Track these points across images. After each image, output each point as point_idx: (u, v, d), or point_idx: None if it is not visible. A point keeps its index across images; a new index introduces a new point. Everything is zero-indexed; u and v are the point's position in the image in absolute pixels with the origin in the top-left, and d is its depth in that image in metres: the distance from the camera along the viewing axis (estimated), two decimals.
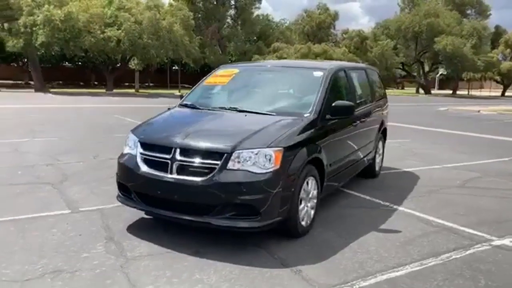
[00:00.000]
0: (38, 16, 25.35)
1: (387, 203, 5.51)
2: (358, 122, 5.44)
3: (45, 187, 5.74)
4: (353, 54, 39.26)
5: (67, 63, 44.82)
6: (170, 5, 32.47)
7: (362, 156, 5.96)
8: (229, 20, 41.01)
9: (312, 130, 4.34)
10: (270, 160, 3.77)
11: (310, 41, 41.42)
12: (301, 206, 4.14)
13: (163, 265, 3.57)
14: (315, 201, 4.44)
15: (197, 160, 3.81)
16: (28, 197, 5.29)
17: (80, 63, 43.48)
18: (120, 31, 26.75)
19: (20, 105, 18.67)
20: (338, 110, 4.61)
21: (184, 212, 3.85)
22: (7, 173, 6.37)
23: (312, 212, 4.42)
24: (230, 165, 3.73)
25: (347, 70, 5.56)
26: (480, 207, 5.54)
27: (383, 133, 6.99)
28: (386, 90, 8.00)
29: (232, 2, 40.01)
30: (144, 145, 4.12)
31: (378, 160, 6.85)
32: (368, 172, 6.68)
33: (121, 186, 4.30)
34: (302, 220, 4.22)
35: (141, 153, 4.10)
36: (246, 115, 4.50)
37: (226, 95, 5.17)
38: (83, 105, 19.84)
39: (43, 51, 32.06)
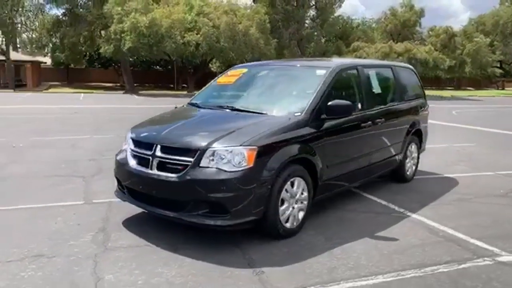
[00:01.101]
0: (126, 23, 27.35)
1: (402, 210, 5.17)
2: (370, 122, 5.17)
3: (76, 179, 6.23)
4: (439, 52, 36.91)
5: (157, 66, 47.70)
6: (251, 8, 33.13)
7: (382, 158, 5.64)
8: (309, 21, 40.74)
9: (301, 130, 4.23)
10: (243, 158, 3.75)
11: (393, 40, 39.73)
12: (283, 207, 4.05)
13: (134, 257, 3.72)
14: (305, 202, 4.32)
15: (173, 157, 3.91)
16: (56, 188, 5.79)
17: (169, 67, 46.06)
18: (198, 35, 27.91)
19: (102, 105, 20.29)
20: (334, 110, 4.44)
21: (162, 207, 3.98)
22: (51, 166, 7.02)
23: (301, 214, 4.30)
24: (203, 162, 3.78)
25: (361, 67, 5.30)
26: (510, 220, 4.97)
27: (416, 135, 6.53)
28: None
29: (313, 3, 39.71)
30: (134, 142, 4.32)
31: (409, 164, 6.42)
32: (396, 175, 6.32)
33: (118, 181, 4.55)
34: (286, 221, 4.13)
35: (131, 150, 4.31)
36: (237, 114, 4.52)
37: (228, 94, 5.23)
38: (158, 106, 20.98)
39: (135, 57, 34.58)
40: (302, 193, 4.27)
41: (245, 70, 5.43)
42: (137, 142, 4.28)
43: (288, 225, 4.16)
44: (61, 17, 35.71)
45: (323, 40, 43.21)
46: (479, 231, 4.55)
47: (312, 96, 4.50)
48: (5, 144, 8.87)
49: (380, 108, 5.49)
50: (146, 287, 3.24)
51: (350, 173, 5.05)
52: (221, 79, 5.52)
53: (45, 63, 44.90)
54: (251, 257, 3.77)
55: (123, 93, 32.68)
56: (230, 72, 5.56)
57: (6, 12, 31.30)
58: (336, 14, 41.37)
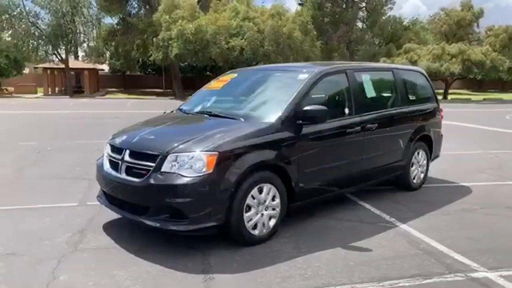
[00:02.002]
0: (173, 31, 28.19)
1: (393, 219, 4.93)
2: (359, 128, 4.96)
3: (83, 182, 6.50)
4: (498, 53, 34.69)
5: (208, 72, 48.79)
6: (296, 11, 33.04)
7: (377, 165, 5.41)
8: (358, 23, 39.95)
9: (271, 135, 4.16)
10: (202, 164, 3.76)
11: (448, 41, 37.90)
12: (248, 214, 4.00)
13: (97, 258, 3.83)
14: (277, 209, 4.24)
15: (139, 162, 3.99)
16: (60, 190, 6.08)
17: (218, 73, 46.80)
18: (243, 40, 28.18)
19: (145, 110, 20.96)
20: (309, 115, 4.33)
21: (128, 210, 4.07)
22: (66, 169, 7.38)
23: (273, 221, 4.23)
24: (165, 167, 3.82)
25: (352, 71, 5.12)
26: (509, 234, 4.60)
27: (424, 141, 6.20)
28: None
29: (363, 4, 38.90)
30: (111, 147, 4.45)
31: (416, 171, 6.11)
32: (401, 183, 6.05)
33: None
34: (254, 228, 4.08)
35: (107, 154, 4.45)
36: (211, 119, 4.53)
37: (212, 99, 5.23)
38: None
39: (186, 63, 35.49)
40: (273, 200, 4.20)
41: (234, 75, 5.44)
42: (112, 147, 4.41)
43: (256, 232, 4.10)
44: (115, 26, 37.42)
45: (376, 42, 42.13)
46: (466, 244, 4.25)
47: (288, 101, 4.41)
48: (36, 147, 9.43)
49: (374, 113, 5.27)
50: None
51: (335, 180, 4.89)
52: (211, 85, 5.55)
53: (103, 70, 47.41)
54: (209, 263, 3.76)
55: (171, 99, 33.63)
56: (221, 77, 5.59)
57: (67, 21, 33.28)
58: (387, 15, 40.19)
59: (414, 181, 6.14)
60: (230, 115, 4.55)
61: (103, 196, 4.50)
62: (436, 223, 4.87)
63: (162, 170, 3.82)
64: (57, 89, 39.19)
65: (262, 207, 4.12)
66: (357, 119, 4.99)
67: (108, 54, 44.08)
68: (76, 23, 34.33)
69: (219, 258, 3.85)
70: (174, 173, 3.78)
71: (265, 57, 28.62)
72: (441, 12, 43.15)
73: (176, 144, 3.90)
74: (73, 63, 39.61)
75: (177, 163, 3.80)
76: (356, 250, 4.08)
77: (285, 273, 3.57)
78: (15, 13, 32.22)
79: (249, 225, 4.02)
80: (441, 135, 6.71)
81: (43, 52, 34.88)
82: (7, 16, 32.06)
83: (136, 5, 37.13)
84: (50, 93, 37.29)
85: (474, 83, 49.90)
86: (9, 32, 32.27)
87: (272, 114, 4.34)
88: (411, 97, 6.07)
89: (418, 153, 6.12)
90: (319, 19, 36.86)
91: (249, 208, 4.01)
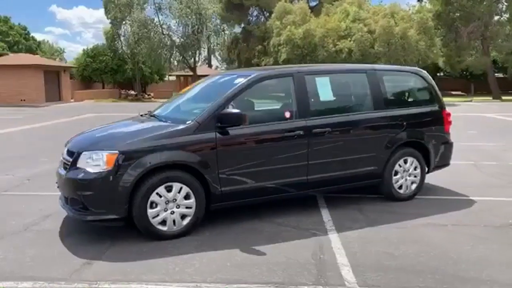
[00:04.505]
0: (282, 36, 28.93)
1: (332, 228, 4.71)
2: (301, 132, 4.82)
3: None
4: None
5: None
6: (414, 7, 31.06)
7: (336, 171, 5.15)
8: (495, 17, 35.47)
9: (184, 137, 4.39)
10: (103, 162, 4.18)
11: None
12: (154, 210, 4.27)
13: (32, 238, 4.52)
14: (190, 210, 4.43)
15: (67, 158, 4.58)
16: None
17: None
18: (351, 42, 27.54)
19: None
20: (225, 119, 4.45)
21: (62, 200, 4.69)
22: None
23: (187, 219, 4.44)
24: (79, 164, 4.34)
25: (301, 75, 4.96)
26: (441, 254, 4.05)
27: (415, 148, 5.63)
28: None
29: None
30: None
31: (401, 181, 5.59)
32: (382, 192, 5.66)
33: None
34: (162, 224, 4.34)
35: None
36: (145, 121, 4.94)
37: (172, 102, 5.59)
38: None
39: None
40: (186, 199, 4.41)
41: (202, 80, 5.75)
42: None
43: (165, 228, 4.36)
44: (238, 34, 39.70)
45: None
46: (375, 260, 3.92)
47: (211, 105, 4.58)
48: None
49: (328, 117, 5.05)
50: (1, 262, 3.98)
51: (271, 184, 4.83)
52: (184, 88, 5.93)
53: None
54: (107, 251, 4.15)
55: None
56: (196, 82, 5.93)
57: (195, 32, 36.50)
58: None
59: (401, 191, 5.64)
60: (163, 117, 4.90)
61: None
62: (375, 236, 4.50)
63: (77, 165, 4.34)
64: None
65: (173, 205, 4.36)
66: (300, 123, 4.87)
67: (236, 61, 47.02)
68: (202, 33, 37.36)
69: (119, 247, 4.23)
70: (83, 168, 4.28)
71: (375, 58, 27.51)
72: None
73: (92, 143, 4.42)
74: (203, 70, 43.26)
75: (90, 159, 4.29)
76: (250, 253, 4.07)
77: (155, 267, 3.79)
78: (150, 26, 36.45)
79: (154, 220, 4.30)
80: (447, 143, 5.97)
81: (175, 61, 38.76)
82: (146, 30, 36.45)
83: (255, 13, 38.89)
84: None
85: None
86: (147, 45, 36.50)
87: (192, 117, 4.55)
88: (394, 100, 5.61)
89: (405, 161, 5.61)
90: (446, 14, 33.97)
91: (155, 204, 4.30)
